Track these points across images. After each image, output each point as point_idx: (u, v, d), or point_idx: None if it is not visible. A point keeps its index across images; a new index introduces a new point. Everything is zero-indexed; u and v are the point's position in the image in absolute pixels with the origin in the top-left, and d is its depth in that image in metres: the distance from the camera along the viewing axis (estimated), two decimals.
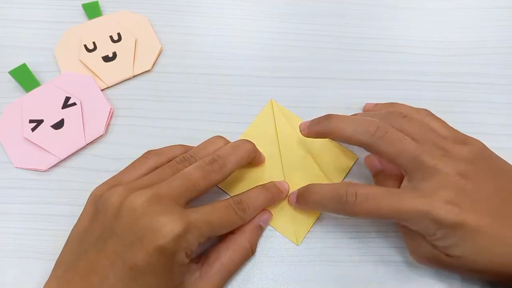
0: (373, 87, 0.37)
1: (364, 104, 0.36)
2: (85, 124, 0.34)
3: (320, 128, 0.29)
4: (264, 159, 0.33)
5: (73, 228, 0.28)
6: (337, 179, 0.33)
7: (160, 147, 0.32)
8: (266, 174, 0.33)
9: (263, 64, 0.38)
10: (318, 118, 0.30)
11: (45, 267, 0.27)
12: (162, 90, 0.37)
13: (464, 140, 0.29)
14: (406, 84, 0.37)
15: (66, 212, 0.32)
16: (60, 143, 0.34)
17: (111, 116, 0.35)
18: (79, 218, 0.28)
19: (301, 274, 0.30)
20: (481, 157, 0.28)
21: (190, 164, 0.28)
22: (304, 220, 0.31)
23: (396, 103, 0.34)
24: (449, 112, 0.36)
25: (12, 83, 0.36)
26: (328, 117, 0.29)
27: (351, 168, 0.33)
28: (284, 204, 0.32)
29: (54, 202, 0.32)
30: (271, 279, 0.30)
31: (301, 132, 0.31)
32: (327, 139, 0.34)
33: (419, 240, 0.27)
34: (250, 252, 0.29)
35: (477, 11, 0.41)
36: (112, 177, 0.30)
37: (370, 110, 0.35)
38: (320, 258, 0.31)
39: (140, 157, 0.31)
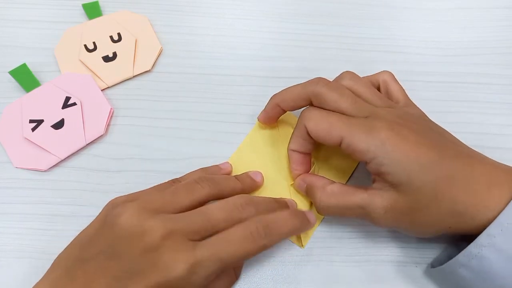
0: None
1: None
2: (85, 124, 0.34)
3: (268, 113, 0.32)
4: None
5: (82, 231, 0.27)
6: (341, 181, 0.33)
7: (183, 175, 0.31)
8: (271, 177, 0.33)
9: (263, 64, 0.38)
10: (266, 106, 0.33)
11: (45, 267, 0.27)
12: (162, 90, 0.37)
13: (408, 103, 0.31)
14: (406, 84, 0.37)
15: (66, 212, 0.32)
16: (60, 143, 0.34)
17: (111, 116, 0.35)
18: (90, 223, 0.27)
19: (301, 274, 0.30)
20: (411, 114, 0.29)
21: (206, 186, 0.27)
22: None
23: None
24: (449, 112, 0.36)
25: (12, 83, 0.36)
26: (271, 98, 0.32)
27: (354, 170, 0.33)
28: None
29: (54, 202, 0.32)
30: (271, 279, 0.30)
31: (260, 121, 0.34)
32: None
33: (374, 204, 0.27)
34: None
35: (477, 11, 0.41)
36: (133, 192, 0.28)
37: None
38: (320, 258, 0.31)
39: (165, 182, 0.30)
